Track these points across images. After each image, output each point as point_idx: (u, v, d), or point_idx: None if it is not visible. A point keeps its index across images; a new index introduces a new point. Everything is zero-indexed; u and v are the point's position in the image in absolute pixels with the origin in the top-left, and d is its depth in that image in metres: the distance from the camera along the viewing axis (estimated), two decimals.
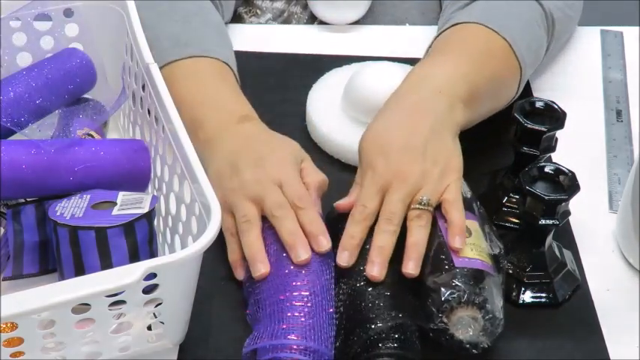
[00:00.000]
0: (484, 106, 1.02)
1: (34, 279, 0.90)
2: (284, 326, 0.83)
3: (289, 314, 0.83)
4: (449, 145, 0.94)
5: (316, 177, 0.96)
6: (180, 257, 0.76)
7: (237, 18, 1.32)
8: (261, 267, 0.88)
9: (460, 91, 0.97)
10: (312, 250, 0.89)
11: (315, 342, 0.82)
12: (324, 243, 0.89)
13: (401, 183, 0.90)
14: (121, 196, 0.88)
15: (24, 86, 0.98)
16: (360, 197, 0.91)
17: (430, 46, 1.07)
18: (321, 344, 0.82)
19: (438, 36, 1.07)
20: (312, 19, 1.29)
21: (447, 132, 0.94)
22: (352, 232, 0.90)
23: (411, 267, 0.87)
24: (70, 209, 0.86)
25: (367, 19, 1.29)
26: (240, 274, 0.92)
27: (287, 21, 1.30)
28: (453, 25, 1.06)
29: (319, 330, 0.83)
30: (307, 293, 0.85)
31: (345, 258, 0.88)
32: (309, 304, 0.84)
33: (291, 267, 0.87)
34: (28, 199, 0.92)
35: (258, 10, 1.30)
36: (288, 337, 0.82)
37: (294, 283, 0.86)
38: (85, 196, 0.89)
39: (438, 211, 0.90)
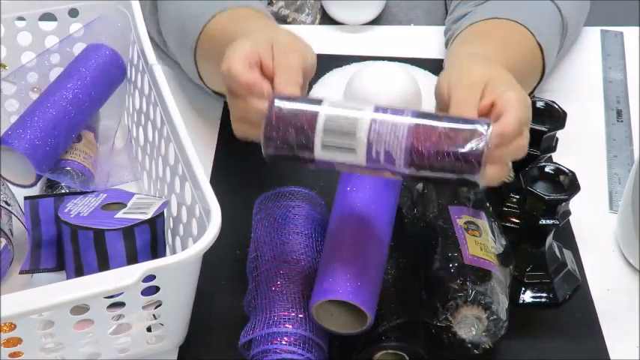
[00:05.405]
0: None
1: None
2: (276, 317, 0.82)
3: (281, 304, 0.83)
4: None
5: None
6: (179, 259, 0.76)
7: None
8: None
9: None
10: (309, 243, 0.89)
11: (307, 332, 0.82)
12: None
13: None
14: (134, 199, 0.89)
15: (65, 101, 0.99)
16: None
17: (458, 33, 1.07)
18: (315, 335, 0.82)
19: (461, 29, 1.07)
20: (324, 10, 1.28)
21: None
22: None
23: None
24: (80, 207, 0.87)
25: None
26: None
27: (300, 9, 1.29)
28: (488, 19, 1.05)
29: (311, 320, 0.82)
30: (299, 284, 0.85)
31: None
32: (301, 295, 0.84)
33: (285, 256, 0.87)
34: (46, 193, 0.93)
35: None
36: (280, 327, 0.82)
37: (282, 272, 0.86)
38: (101, 194, 0.89)
39: (452, 207, 0.90)
